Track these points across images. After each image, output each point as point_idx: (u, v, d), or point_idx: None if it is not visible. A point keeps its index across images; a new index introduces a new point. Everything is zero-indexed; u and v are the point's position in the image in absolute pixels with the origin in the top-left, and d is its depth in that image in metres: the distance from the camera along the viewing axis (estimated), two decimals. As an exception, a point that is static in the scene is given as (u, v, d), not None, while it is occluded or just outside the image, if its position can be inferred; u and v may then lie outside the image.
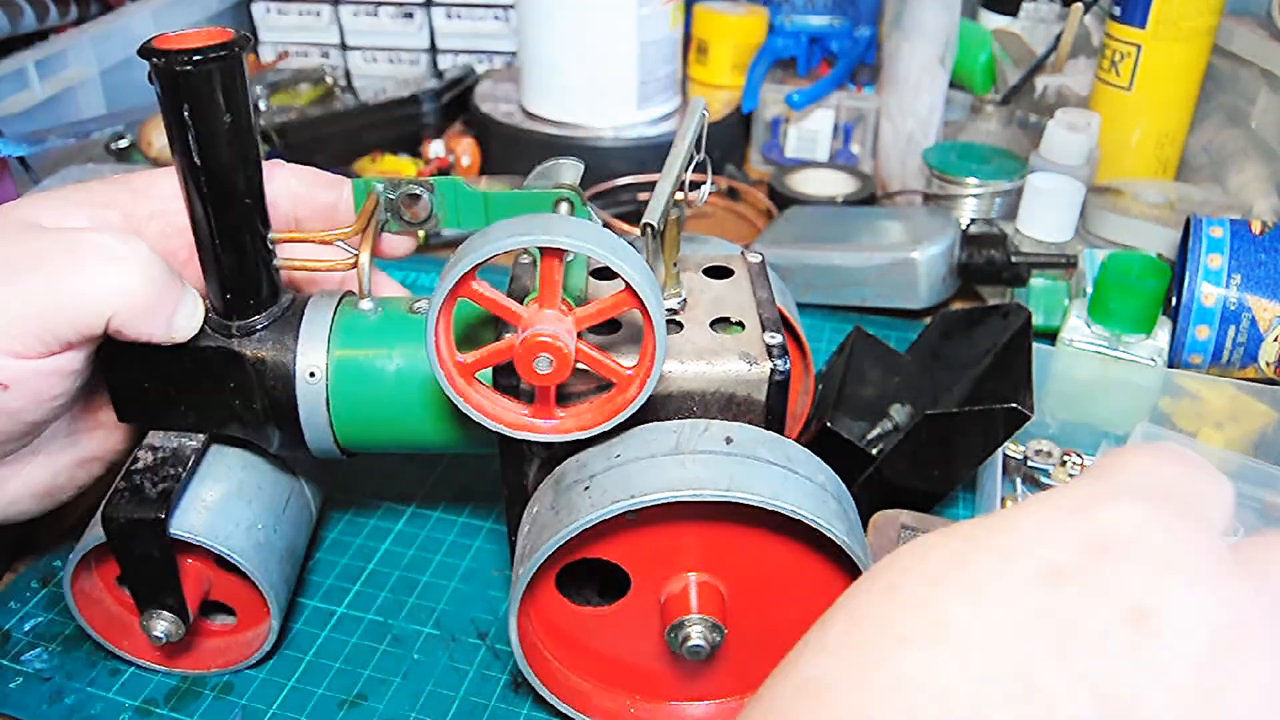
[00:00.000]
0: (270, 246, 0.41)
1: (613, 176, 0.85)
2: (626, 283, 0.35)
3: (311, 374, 0.41)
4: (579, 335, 0.37)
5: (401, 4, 1.06)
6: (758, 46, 0.97)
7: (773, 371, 0.39)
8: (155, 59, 0.35)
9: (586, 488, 0.37)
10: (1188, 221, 0.61)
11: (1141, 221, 0.72)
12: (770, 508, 0.36)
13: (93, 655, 0.46)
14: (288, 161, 0.45)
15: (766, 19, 0.98)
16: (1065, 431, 0.58)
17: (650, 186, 0.86)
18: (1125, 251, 0.68)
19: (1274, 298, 0.58)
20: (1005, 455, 0.55)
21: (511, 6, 1.04)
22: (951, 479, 0.51)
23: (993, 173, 0.77)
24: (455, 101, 0.98)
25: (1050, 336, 0.63)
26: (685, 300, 0.43)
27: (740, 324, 0.42)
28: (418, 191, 0.43)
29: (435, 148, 0.93)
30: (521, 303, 0.37)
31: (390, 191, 0.44)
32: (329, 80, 1.07)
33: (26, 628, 0.47)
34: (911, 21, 0.86)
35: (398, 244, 0.46)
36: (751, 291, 0.44)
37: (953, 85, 0.87)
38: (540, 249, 0.35)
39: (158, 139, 0.76)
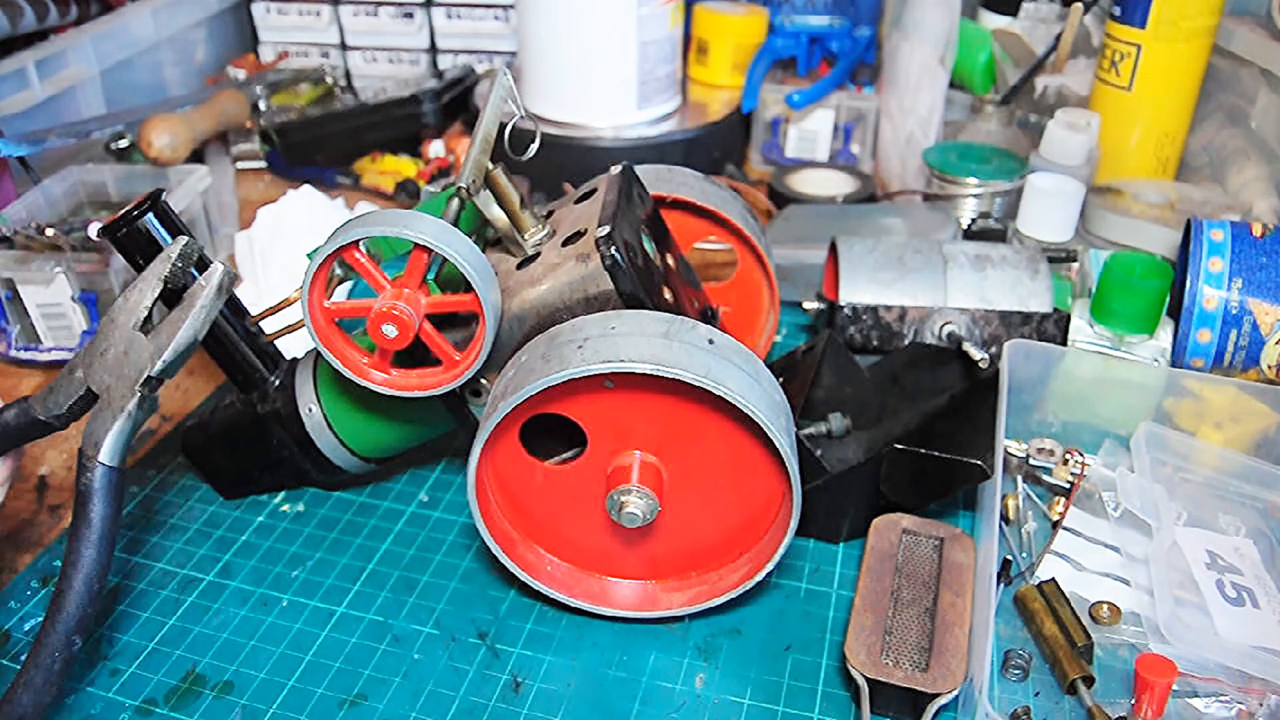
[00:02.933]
0: (253, 329, 0.51)
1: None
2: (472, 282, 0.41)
3: (310, 409, 0.51)
4: (428, 317, 0.43)
5: (401, 4, 1.06)
6: (758, 46, 0.97)
7: (603, 258, 0.43)
8: (101, 235, 0.45)
9: (580, 346, 0.41)
10: (1188, 223, 0.61)
11: (1141, 221, 0.72)
12: (737, 403, 0.40)
13: (93, 655, 0.46)
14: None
15: (766, 19, 0.98)
16: (1068, 430, 0.58)
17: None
18: (1128, 252, 0.68)
19: (1275, 301, 0.57)
20: (1007, 454, 0.55)
21: (511, 6, 1.04)
22: (891, 508, 0.52)
23: (993, 173, 0.77)
24: (455, 101, 0.98)
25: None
26: (553, 232, 0.47)
27: (581, 232, 0.46)
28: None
29: (435, 148, 0.93)
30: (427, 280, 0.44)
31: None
32: (329, 80, 1.07)
33: (26, 628, 0.47)
34: (911, 21, 0.86)
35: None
36: (602, 201, 0.48)
37: (953, 85, 0.87)
38: (415, 242, 0.41)
39: (157, 139, 0.76)
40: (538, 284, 0.45)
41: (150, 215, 0.46)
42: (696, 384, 0.40)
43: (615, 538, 0.48)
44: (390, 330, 0.42)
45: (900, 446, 0.49)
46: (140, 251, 0.47)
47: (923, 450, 0.49)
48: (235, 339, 0.51)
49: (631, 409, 0.43)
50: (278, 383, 0.52)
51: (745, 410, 0.40)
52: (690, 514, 0.46)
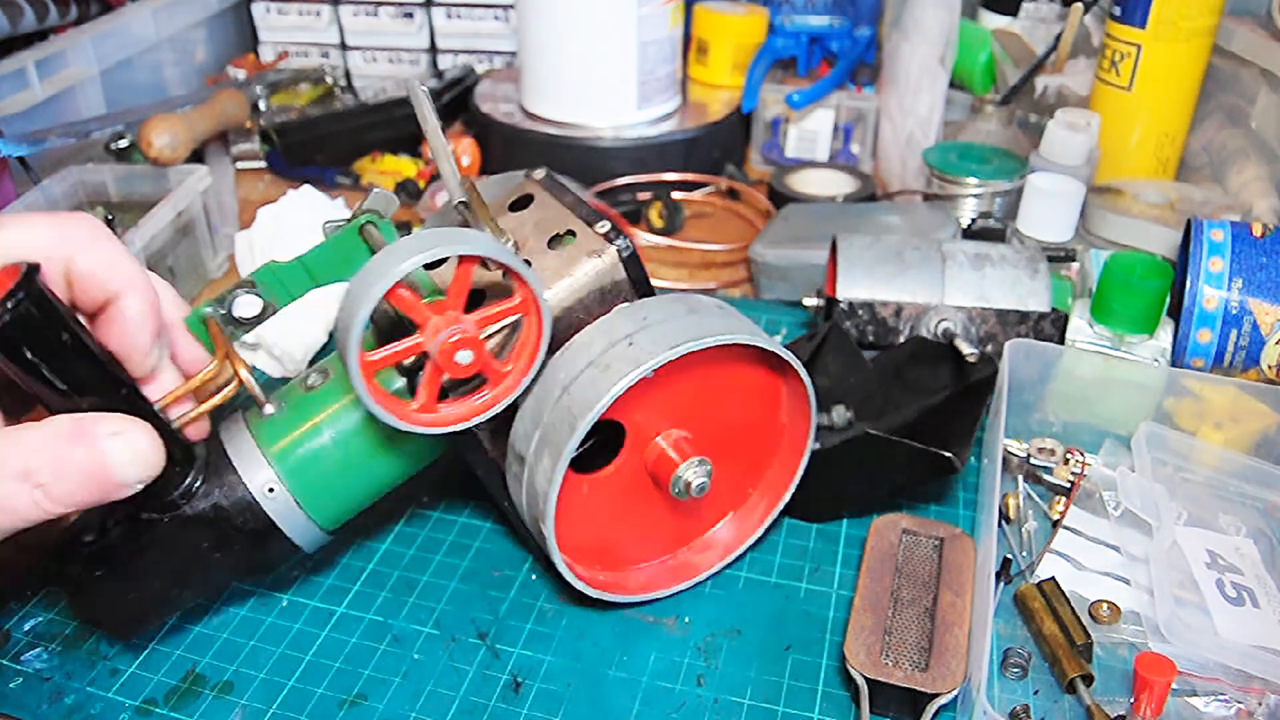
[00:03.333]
0: (160, 417, 0.41)
1: (613, 176, 0.85)
2: (525, 285, 0.40)
3: (270, 489, 0.43)
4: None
5: (401, 4, 1.06)
6: (758, 46, 0.97)
7: (619, 250, 0.44)
8: None
9: (630, 344, 0.42)
10: (1188, 223, 0.61)
11: (1141, 221, 0.72)
12: (770, 348, 0.45)
13: (93, 655, 0.46)
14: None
15: (766, 19, 0.98)
16: (1068, 430, 0.58)
17: (650, 186, 0.87)
18: (1128, 252, 0.68)
19: (1275, 301, 0.57)
20: (1007, 453, 0.55)
21: (511, 6, 1.04)
22: (861, 500, 0.53)
23: (993, 173, 0.77)
24: (455, 101, 0.98)
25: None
26: (515, 242, 0.46)
27: (571, 232, 0.46)
28: (243, 294, 0.45)
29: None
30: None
31: (220, 308, 0.45)
32: (329, 80, 1.07)
33: (26, 627, 0.47)
34: (911, 21, 0.86)
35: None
36: (560, 204, 0.48)
37: (953, 85, 0.87)
38: (460, 257, 0.39)
39: (157, 139, 0.76)
40: (550, 287, 0.44)
41: (23, 305, 0.34)
42: (761, 345, 0.44)
43: (658, 521, 0.49)
44: (466, 357, 0.40)
45: (872, 432, 0.50)
46: (18, 353, 0.35)
47: (893, 438, 0.50)
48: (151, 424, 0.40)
49: (656, 391, 0.44)
50: (200, 477, 0.42)
51: (765, 347, 0.45)
52: (716, 466, 0.47)
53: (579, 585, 0.46)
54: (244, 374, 0.43)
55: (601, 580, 0.48)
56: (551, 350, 0.43)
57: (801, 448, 0.50)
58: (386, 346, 0.39)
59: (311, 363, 0.67)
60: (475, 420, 0.42)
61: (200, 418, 0.43)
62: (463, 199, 0.45)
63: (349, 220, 0.45)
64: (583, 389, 0.42)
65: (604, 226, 0.45)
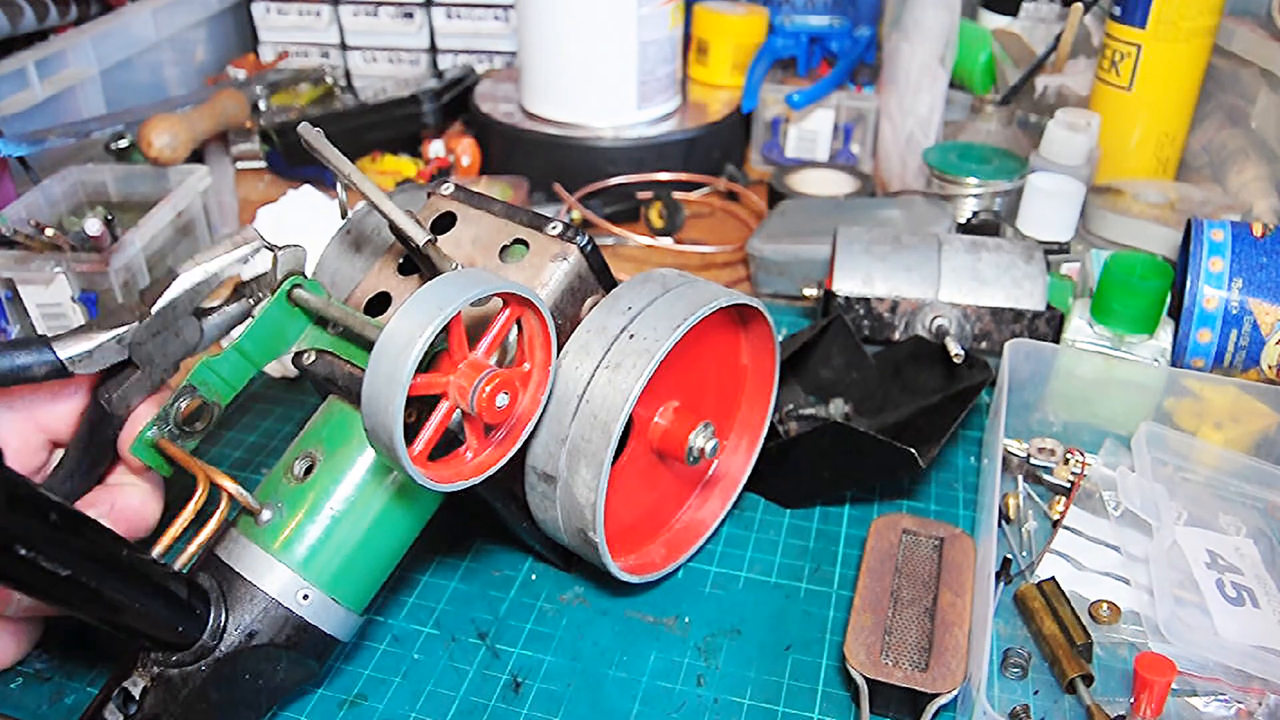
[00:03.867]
0: (161, 564, 0.38)
1: (612, 176, 0.85)
2: (517, 299, 0.38)
3: (305, 595, 0.40)
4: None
5: (401, 4, 1.06)
6: (758, 46, 0.97)
7: (580, 249, 0.44)
8: None
9: (631, 336, 0.43)
10: (1188, 223, 0.61)
11: (1141, 221, 0.72)
12: (749, 303, 0.47)
13: (93, 655, 0.46)
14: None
15: (766, 19, 0.98)
16: (1069, 430, 0.58)
17: (650, 186, 0.86)
18: (1128, 252, 0.68)
19: (1275, 301, 0.57)
20: (1007, 453, 0.55)
21: (511, 6, 1.04)
22: (833, 489, 0.54)
23: (993, 173, 0.77)
24: (455, 101, 0.98)
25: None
26: (459, 264, 0.43)
27: (520, 241, 0.45)
28: (184, 402, 0.43)
29: (435, 148, 0.93)
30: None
31: (166, 426, 0.42)
32: (329, 80, 1.07)
33: (26, 628, 0.47)
34: (911, 21, 0.86)
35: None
36: (490, 214, 0.47)
37: (953, 85, 0.87)
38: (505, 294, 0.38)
39: (157, 139, 0.76)
40: None
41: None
42: (743, 304, 0.46)
43: (661, 491, 0.51)
44: (504, 399, 0.39)
45: (839, 423, 0.51)
46: (7, 554, 0.31)
47: (858, 430, 0.51)
48: (152, 578, 0.36)
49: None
50: (223, 610, 0.39)
51: (745, 304, 0.47)
52: (702, 410, 0.49)
53: (628, 578, 0.47)
54: (230, 486, 0.40)
55: (633, 564, 0.49)
56: None
57: (769, 384, 0.53)
58: (420, 433, 0.37)
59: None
60: (523, 438, 0.41)
61: (199, 550, 0.40)
62: (429, 238, 0.43)
63: (271, 291, 0.43)
64: (603, 392, 0.42)
65: (556, 228, 0.45)
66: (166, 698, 0.38)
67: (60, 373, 0.40)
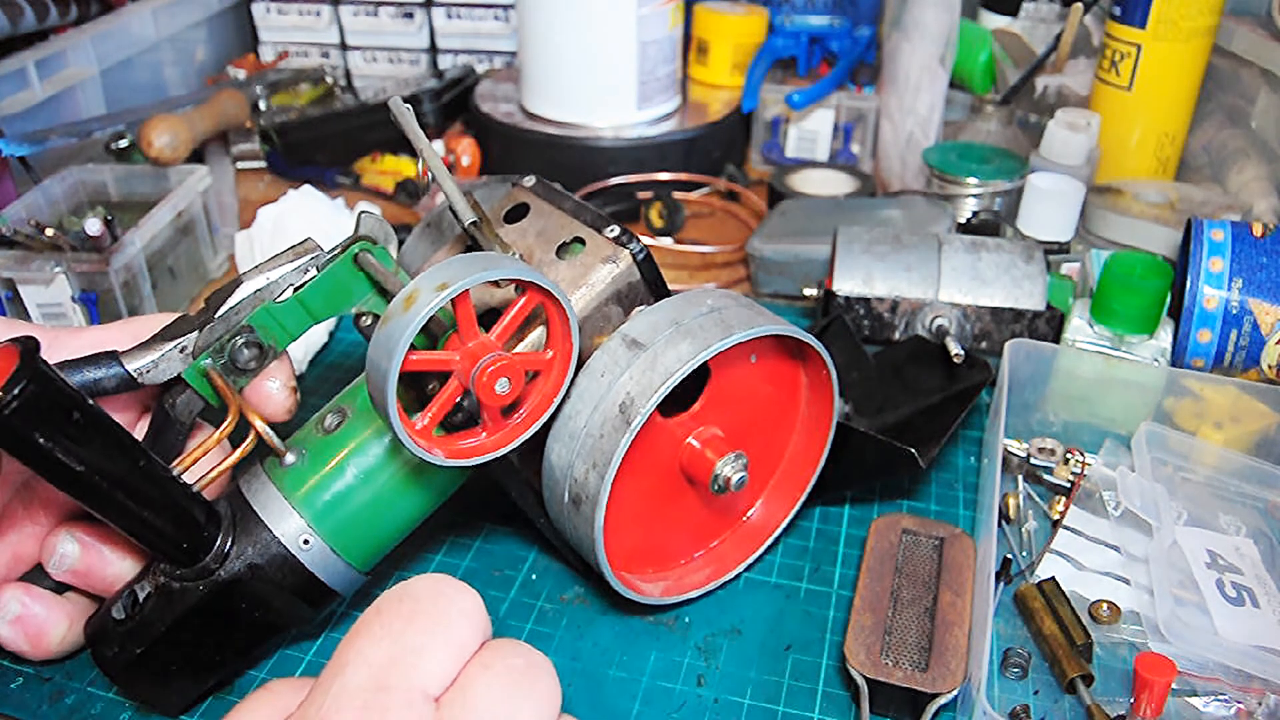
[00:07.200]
0: (180, 481, 0.40)
1: (612, 176, 0.85)
2: (536, 288, 0.39)
3: (305, 541, 0.42)
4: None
5: (401, 4, 1.06)
6: (758, 46, 0.97)
7: (633, 255, 0.44)
8: None
9: (662, 347, 0.42)
10: (1188, 223, 0.61)
11: (1141, 221, 0.72)
12: (797, 335, 0.45)
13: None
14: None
15: (766, 19, 0.98)
16: (1069, 430, 0.58)
17: (650, 186, 0.86)
18: (1128, 252, 0.68)
19: (1275, 301, 0.57)
20: (1007, 453, 0.55)
21: (511, 6, 1.04)
22: (835, 487, 0.53)
23: (993, 173, 0.77)
24: (455, 101, 0.98)
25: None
26: (520, 254, 0.45)
27: (579, 240, 0.46)
28: (241, 340, 0.43)
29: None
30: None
31: (220, 359, 0.43)
32: (329, 80, 1.07)
33: (26, 628, 0.47)
34: (911, 21, 0.86)
35: (274, 399, 0.44)
36: (560, 211, 0.48)
37: (953, 85, 0.87)
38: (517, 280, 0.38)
39: (158, 139, 0.76)
40: (569, 295, 0.44)
41: (28, 390, 0.32)
42: (799, 337, 0.45)
43: (686, 518, 0.49)
44: (505, 385, 0.39)
45: (840, 423, 0.51)
46: (28, 441, 0.33)
47: (860, 429, 0.50)
48: (168, 493, 0.38)
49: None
50: (230, 537, 0.41)
51: (789, 334, 0.45)
52: (748, 447, 0.47)
53: (620, 588, 0.46)
54: (260, 425, 0.42)
55: (628, 580, 0.47)
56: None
57: (821, 442, 0.50)
58: (429, 407, 0.39)
59: (312, 363, 0.67)
60: (534, 428, 0.41)
61: (221, 475, 0.42)
62: (474, 219, 0.44)
63: (341, 250, 0.44)
64: (624, 394, 0.41)
65: (614, 231, 0.45)
66: (164, 607, 0.40)
67: (130, 384, 0.41)
